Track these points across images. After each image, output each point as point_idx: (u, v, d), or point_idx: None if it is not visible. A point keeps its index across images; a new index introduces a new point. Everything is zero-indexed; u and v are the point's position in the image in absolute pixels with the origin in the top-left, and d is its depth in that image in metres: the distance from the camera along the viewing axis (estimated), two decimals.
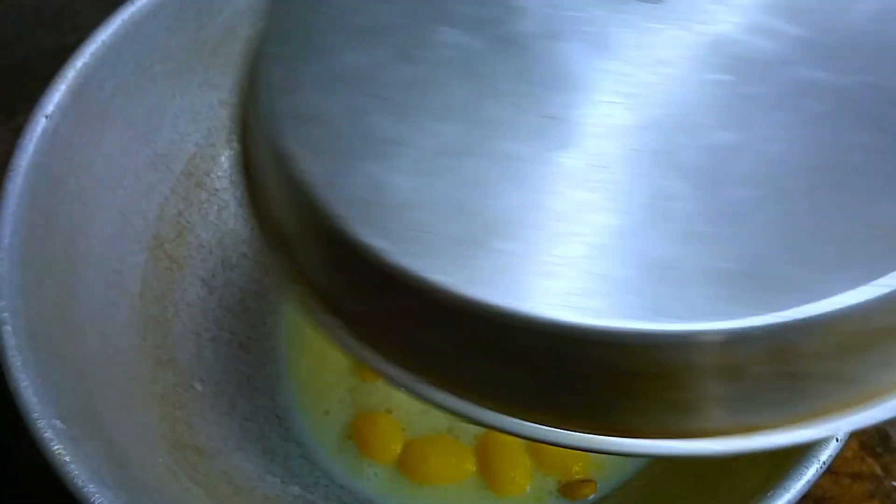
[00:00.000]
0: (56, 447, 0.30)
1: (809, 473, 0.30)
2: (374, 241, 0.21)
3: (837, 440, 0.30)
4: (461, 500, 0.38)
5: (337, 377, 0.41)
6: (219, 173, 0.43)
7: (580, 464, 0.37)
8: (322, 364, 0.41)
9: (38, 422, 0.30)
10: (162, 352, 0.38)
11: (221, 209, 0.43)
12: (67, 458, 0.30)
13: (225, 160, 0.43)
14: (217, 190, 0.43)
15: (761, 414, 0.21)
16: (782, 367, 0.20)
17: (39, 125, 0.35)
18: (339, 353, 0.41)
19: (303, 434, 0.40)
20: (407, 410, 0.39)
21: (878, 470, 0.39)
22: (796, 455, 0.30)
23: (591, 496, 0.37)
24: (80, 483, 0.30)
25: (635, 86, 0.22)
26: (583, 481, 0.37)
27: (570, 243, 0.21)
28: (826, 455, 0.30)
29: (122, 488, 0.30)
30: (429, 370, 0.23)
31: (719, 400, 0.21)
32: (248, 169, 0.27)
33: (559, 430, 0.22)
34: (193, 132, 0.41)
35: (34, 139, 0.35)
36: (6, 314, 0.32)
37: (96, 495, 0.30)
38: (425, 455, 0.38)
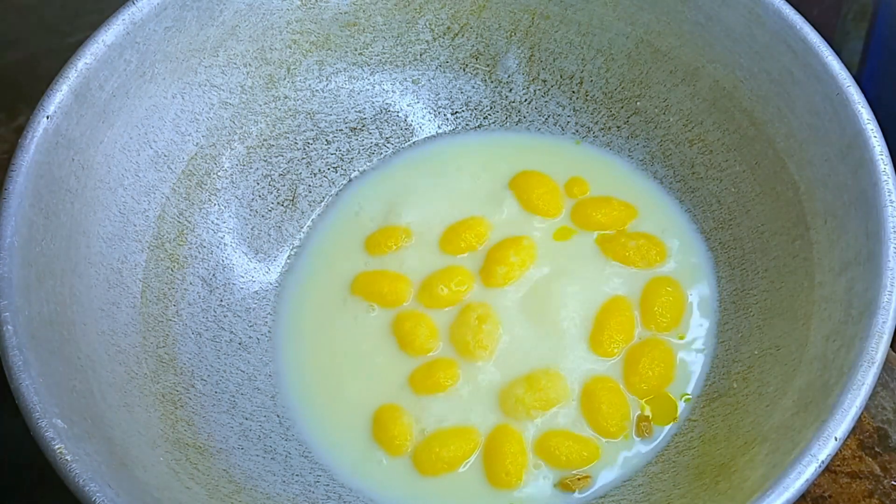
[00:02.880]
0: (57, 446, 0.30)
1: (808, 472, 0.30)
2: None
3: (836, 439, 0.30)
4: (462, 495, 0.38)
5: (337, 376, 0.41)
6: (219, 173, 0.43)
7: (585, 455, 0.38)
8: (322, 363, 0.41)
9: (40, 421, 0.30)
10: (163, 351, 0.38)
11: (222, 209, 0.43)
12: (69, 458, 0.30)
13: (226, 160, 0.43)
14: (218, 190, 0.43)
15: None
16: None
17: (41, 125, 0.35)
18: (339, 352, 0.41)
19: (303, 433, 0.40)
20: (412, 408, 0.39)
21: (876, 469, 0.39)
22: (795, 454, 0.30)
23: (589, 492, 0.37)
24: (81, 482, 0.30)
25: None
26: (579, 478, 0.37)
27: None
28: (825, 454, 0.30)
29: (122, 487, 0.30)
30: None
31: None
32: None
33: None
34: (194, 132, 0.41)
35: (35, 139, 0.35)
36: (7, 314, 0.32)
37: (97, 494, 0.30)
38: (434, 450, 0.38)
